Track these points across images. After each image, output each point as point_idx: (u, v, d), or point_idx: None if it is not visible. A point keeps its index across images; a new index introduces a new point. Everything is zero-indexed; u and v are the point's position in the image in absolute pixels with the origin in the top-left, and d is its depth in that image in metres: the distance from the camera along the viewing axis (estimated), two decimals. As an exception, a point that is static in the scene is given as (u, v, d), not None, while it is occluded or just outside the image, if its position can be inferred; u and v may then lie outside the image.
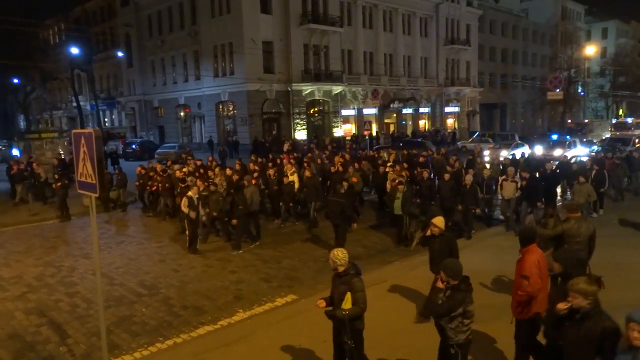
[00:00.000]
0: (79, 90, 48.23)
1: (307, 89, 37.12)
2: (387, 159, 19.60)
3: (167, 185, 14.39)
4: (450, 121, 52.76)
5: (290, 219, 14.16)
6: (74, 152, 5.37)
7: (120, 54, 45.38)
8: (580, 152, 26.00)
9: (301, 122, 37.62)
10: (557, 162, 17.76)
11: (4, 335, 7.33)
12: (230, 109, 38.01)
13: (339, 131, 40.08)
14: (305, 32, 36.44)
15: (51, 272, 10.32)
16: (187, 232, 11.39)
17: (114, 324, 7.57)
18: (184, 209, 11.25)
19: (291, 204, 14.11)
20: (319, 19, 36.55)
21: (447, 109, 51.67)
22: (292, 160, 16.99)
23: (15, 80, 44.76)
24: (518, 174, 13.30)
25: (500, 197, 12.88)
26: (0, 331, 7.46)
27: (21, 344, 7.03)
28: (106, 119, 54.25)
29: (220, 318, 7.77)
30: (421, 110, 48.88)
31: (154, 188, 15.15)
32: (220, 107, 38.84)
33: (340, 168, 15.23)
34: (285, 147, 29.26)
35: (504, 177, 12.87)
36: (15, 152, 26.66)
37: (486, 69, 56.55)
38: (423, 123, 49.81)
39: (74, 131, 5.46)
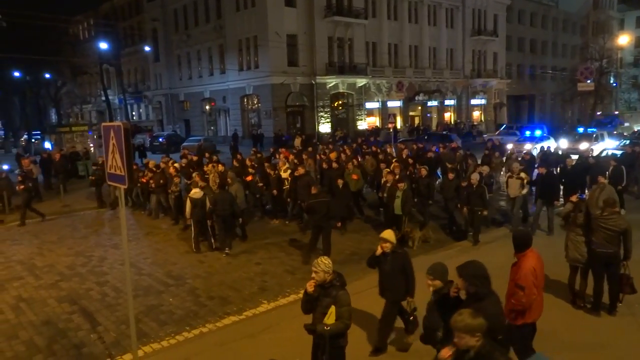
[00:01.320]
0: (108, 85, 49.30)
1: (331, 81, 37.04)
2: (393, 154, 18.43)
3: (161, 181, 13.88)
4: (476, 114, 51.96)
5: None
6: (103, 145, 5.50)
7: (147, 48, 46.10)
8: (608, 146, 25.24)
9: (325, 115, 37.60)
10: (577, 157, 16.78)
11: (38, 321, 7.59)
12: (255, 102, 38.25)
13: (362, 124, 39.92)
14: (330, 25, 36.30)
15: (82, 261, 10.62)
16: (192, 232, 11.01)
17: (142, 312, 7.75)
18: (188, 211, 10.91)
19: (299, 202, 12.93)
20: (343, 11, 36.38)
21: (474, 101, 50.90)
22: (289, 157, 16.08)
23: (47, 75, 45.98)
24: (536, 169, 12.68)
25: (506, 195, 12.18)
26: (34, 318, 7.74)
27: (54, 331, 7.27)
28: (134, 113, 55.28)
29: (246, 309, 7.87)
30: (447, 102, 48.30)
31: (143, 180, 14.69)
32: (245, 100, 39.12)
33: (335, 164, 14.14)
34: (297, 142, 28.69)
35: (509, 174, 12.05)
36: (48, 144, 27.42)
37: (514, 60, 55.35)
38: (448, 116, 49.20)
39: (103, 124, 5.58)
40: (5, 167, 18.20)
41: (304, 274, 9.41)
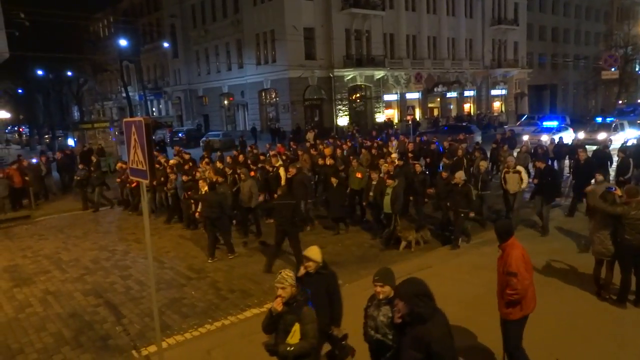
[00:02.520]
0: (128, 81, 49.90)
1: (348, 74, 36.87)
2: (392, 148, 17.51)
3: (162, 179, 13.40)
4: (497, 104, 51.20)
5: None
6: (125, 140, 5.57)
7: (165, 44, 46.50)
8: (630, 136, 24.35)
9: (343, 108, 37.47)
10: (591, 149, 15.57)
11: (65, 314, 7.78)
12: (273, 96, 38.32)
13: (381, 117, 39.69)
14: (347, 17, 36.09)
15: (106, 255, 10.83)
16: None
17: (165, 305, 7.87)
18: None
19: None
20: (360, 3, 36.07)
21: (494, 92, 50.17)
22: (281, 153, 15.46)
23: (69, 73, 46.78)
24: (531, 164, 11.91)
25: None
26: (61, 310, 7.93)
27: (81, 323, 7.45)
28: (154, 109, 55.96)
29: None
30: (466, 93, 47.67)
31: (133, 184, 14.19)
32: (263, 94, 39.22)
33: (330, 160, 13.39)
34: (310, 136, 28.14)
35: (505, 169, 11.31)
36: (71, 141, 27.94)
37: (535, 49, 54.26)
38: (468, 107, 48.58)
39: (125, 120, 5.65)
40: (34, 160, 18.65)
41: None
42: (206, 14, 43.25)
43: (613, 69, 27.20)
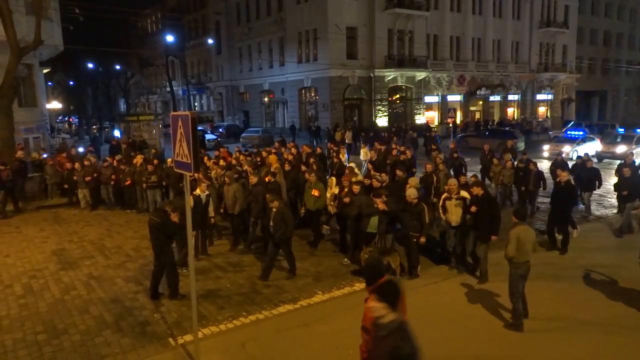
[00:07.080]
0: (172, 76, 51.19)
1: (389, 75, 36.63)
2: (343, 159, 15.67)
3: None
4: (542, 109, 49.73)
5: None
6: (171, 133, 5.73)
7: (210, 41, 47.46)
8: None
9: (383, 109, 37.26)
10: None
11: (107, 298, 8.08)
12: (313, 94, 38.49)
13: (421, 118, 39.25)
14: (390, 17, 35.87)
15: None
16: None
17: (201, 296, 8.03)
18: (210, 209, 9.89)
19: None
20: (404, 3, 35.80)
21: (539, 97, 48.77)
22: (226, 158, 14.46)
23: (118, 67, 48.42)
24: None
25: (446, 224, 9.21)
26: (103, 295, 8.24)
27: (121, 308, 7.71)
28: (196, 104, 57.21)
29: (300, 298, 7.99)
30: (510, 97, 46.53)
31: (127, 182, 13.98)
32: (303, 92, 39.46)
33: (275, 167, 11.87)
34: (338, 136, 27.67)
35: (445, 194, 9.10)
36: (117, 132, 28.93)
37: (585, 54, 52.33)
38: (512, 111, 47.40)
39: (172, 114, 5.81)
40: (81, 149, 19.41)
41: (359, 267, 9.40)
42: (250, 11, 43.88)
43: (669, 76, 25.84)
